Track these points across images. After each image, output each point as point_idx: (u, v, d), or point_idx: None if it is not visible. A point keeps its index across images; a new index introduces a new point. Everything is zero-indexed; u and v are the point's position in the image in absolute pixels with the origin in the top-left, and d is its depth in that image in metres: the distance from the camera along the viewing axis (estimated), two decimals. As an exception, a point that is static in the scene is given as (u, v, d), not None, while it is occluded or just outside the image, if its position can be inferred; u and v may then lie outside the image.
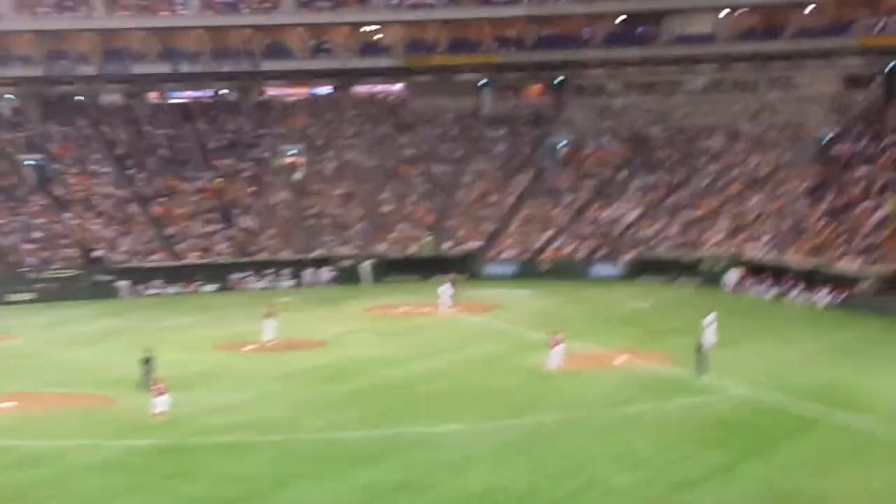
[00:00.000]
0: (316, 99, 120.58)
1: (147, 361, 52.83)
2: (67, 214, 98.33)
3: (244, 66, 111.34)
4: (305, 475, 38.58)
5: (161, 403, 46.25)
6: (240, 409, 48.72)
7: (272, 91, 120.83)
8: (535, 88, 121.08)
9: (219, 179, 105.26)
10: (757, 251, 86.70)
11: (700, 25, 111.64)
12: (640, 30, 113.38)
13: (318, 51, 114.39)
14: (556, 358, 55.26)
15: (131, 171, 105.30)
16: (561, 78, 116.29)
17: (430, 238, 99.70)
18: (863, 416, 44.52)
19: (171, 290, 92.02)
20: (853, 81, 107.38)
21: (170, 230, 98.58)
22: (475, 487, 36.60)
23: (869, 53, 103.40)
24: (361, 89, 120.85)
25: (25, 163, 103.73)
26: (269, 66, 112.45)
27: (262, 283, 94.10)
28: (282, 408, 49.02)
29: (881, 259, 77.26)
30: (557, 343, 55.52)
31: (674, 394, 49.96)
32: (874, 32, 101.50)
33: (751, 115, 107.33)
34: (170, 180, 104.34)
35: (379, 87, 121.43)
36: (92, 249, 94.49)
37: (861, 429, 43.02)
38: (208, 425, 45.85)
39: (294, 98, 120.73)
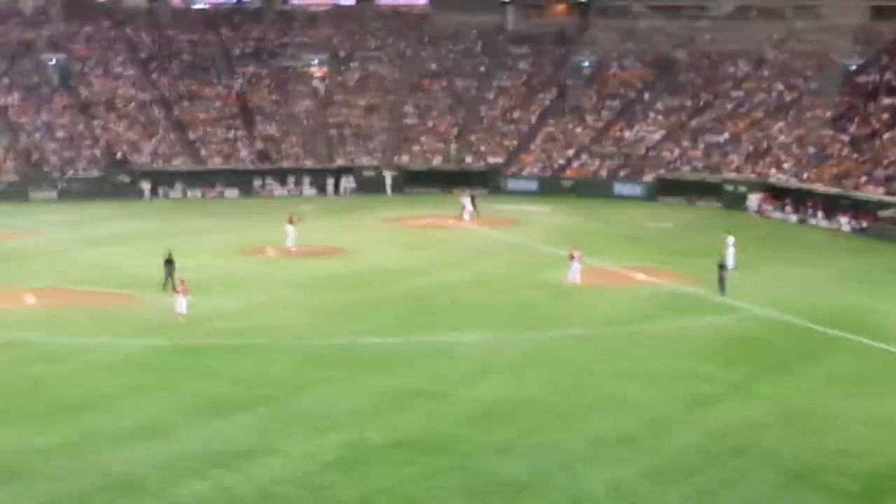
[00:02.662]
0: (340, 10, 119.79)
1: (169, 262, 53.18)
2: (90, 116, 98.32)
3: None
4: (323, 379, 38.92)
5: (182, 304, 46.63)
6: (261, 314, 49.07)
7: (296, 0, 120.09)
8: (560, 7, 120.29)
9: (240, 80, 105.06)
10: (779, 176, 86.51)
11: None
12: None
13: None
14: (575, 273, 55.48)
15: (154, 75, 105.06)
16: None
17: (455, 145, 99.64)
18: (878, 342, 44.68)
19: (194, 193, 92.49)
20: (880, 12, 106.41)
21: (192, 135, 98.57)
22: (491, 397, 36.96)
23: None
24: (385, 2, 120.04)
25: (48, 62, 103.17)
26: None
27: (284, 191, 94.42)
28: (302, 313, 49.34)
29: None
30: (577, 259, 55.71)
31: (693, 312, 50.18)
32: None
33: (776, 42, 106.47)
34: (192, 85, 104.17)
35: (403, 1, 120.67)
36: (115, 151, 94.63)
37: (875, 354, 43.31)
38: (229, 328, 46.20)
39: (318, 8, 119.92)
